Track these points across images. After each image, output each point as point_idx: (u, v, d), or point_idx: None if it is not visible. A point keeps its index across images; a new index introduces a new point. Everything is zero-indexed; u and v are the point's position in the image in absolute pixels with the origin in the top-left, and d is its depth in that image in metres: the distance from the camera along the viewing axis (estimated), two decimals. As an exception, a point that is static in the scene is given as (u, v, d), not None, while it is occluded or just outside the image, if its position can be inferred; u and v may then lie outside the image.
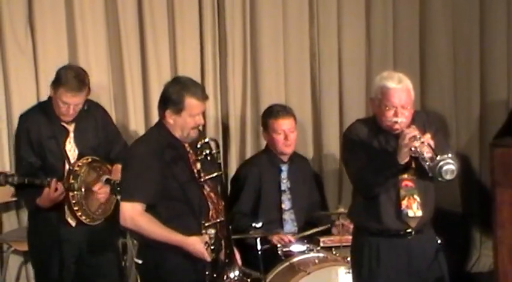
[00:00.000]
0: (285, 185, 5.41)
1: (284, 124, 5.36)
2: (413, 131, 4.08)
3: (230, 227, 4.14)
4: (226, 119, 5.93)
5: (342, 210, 5.16)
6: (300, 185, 5.45)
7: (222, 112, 5.91)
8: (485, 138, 6.38)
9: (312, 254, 5.00)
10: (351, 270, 4.56)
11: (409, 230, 4.24)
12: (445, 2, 6.35)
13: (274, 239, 5.07)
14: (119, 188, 4.65)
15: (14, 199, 5.26)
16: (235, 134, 5.94)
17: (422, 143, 4.03)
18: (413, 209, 4.23)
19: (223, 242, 4.13)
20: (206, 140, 4.19)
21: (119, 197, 4.62)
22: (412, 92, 4.21)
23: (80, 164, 4.76)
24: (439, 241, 4.39)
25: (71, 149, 4.80)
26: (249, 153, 5.87)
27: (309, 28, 6.08)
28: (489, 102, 6.47)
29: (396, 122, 4.15)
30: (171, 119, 4.20)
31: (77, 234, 4.80)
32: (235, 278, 4.06)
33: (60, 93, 4.68)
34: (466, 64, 6.45)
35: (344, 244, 4.98)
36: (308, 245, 5.08)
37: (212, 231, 4.14)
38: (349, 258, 4.66)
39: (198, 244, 4.10)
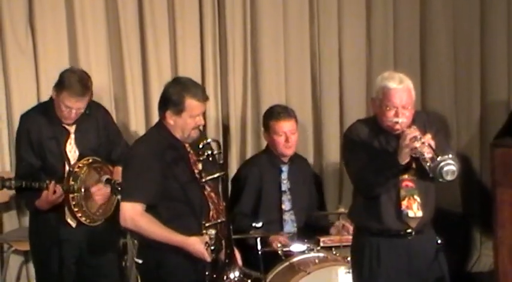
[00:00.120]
0: (285, 185, 5.40)
1: (285, 126, 5.34)
2: (414, 132, 4.08)
3: (231, 228, 4.13)
4: (227, 119, 5.92)
5: (342, 210, 5.17)
6: (300, 185, 5.44)
7: (222, 112, 5.90)
8: (485, 138, 6.37)
9: (312, 254, 4.99)
10: (351, 270, 4.55)
11: (409, 230, 4.24)
12: (445, 2, 6.34)
13: (274, 244, 5.04)
14: (119, 188, 4.65)
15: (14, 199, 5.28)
16: (236, 134, 5.93)
17: (423, 143, 4.03)
18: (414, 209, 4.22)
19: (223, 242, 4.12)
20: (208, 140, 4.18)
21: (119, 197, 4.62)
22: (413, 92, 4.20)
23: (80, 164, 4.75)
24: (439, 241, 4.38)
25: (72, 150, 4.80)
26: (249, 154, 5.87)
27: (309, 28, 6.07)
28: (489, 102, 6.47)
29: (397, 122, 4.14)
30: (171, 119, 4.19)
31: (77, 234, 4.80)
32: (236, 279, 4.05)
33: (63, 97, 4.67)
34: (467, 64, 6.44)
35: (344, 244, 4.97)
36: (308, 245, 5.07)
37: (212, 231, 4.13)
38: (349, 258, 4.65)
39: (198, 244, 4.09)
